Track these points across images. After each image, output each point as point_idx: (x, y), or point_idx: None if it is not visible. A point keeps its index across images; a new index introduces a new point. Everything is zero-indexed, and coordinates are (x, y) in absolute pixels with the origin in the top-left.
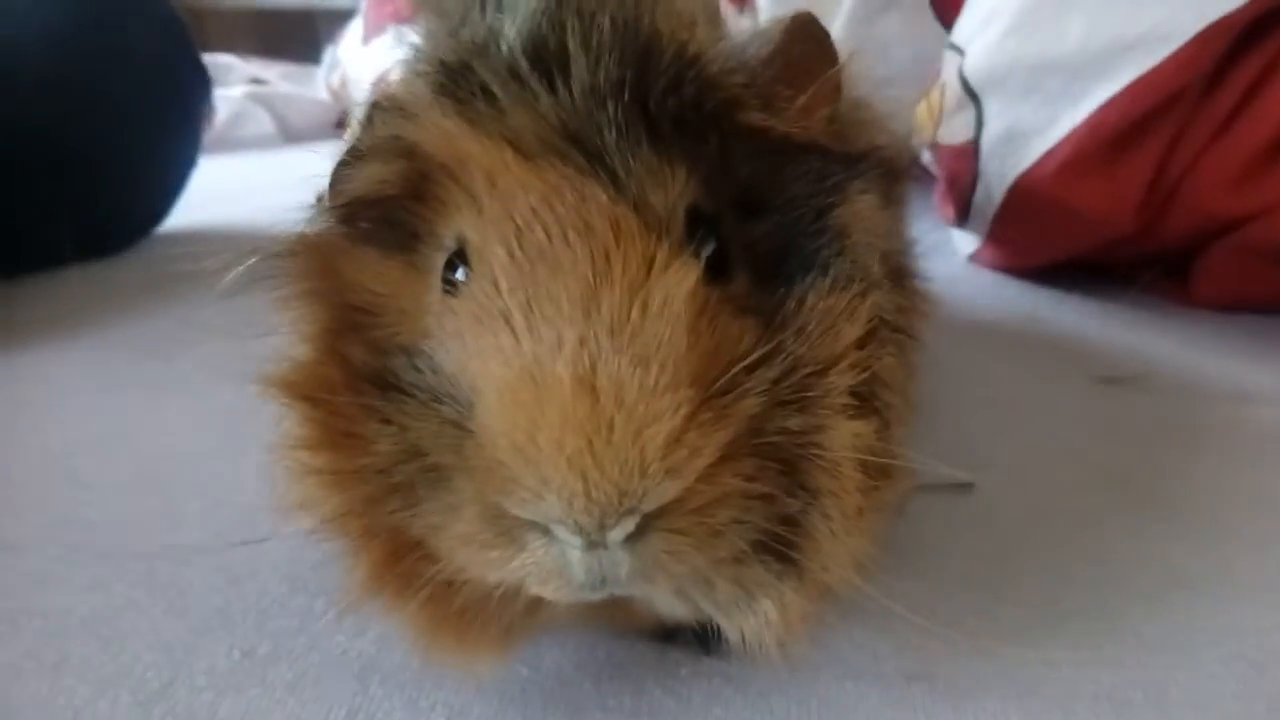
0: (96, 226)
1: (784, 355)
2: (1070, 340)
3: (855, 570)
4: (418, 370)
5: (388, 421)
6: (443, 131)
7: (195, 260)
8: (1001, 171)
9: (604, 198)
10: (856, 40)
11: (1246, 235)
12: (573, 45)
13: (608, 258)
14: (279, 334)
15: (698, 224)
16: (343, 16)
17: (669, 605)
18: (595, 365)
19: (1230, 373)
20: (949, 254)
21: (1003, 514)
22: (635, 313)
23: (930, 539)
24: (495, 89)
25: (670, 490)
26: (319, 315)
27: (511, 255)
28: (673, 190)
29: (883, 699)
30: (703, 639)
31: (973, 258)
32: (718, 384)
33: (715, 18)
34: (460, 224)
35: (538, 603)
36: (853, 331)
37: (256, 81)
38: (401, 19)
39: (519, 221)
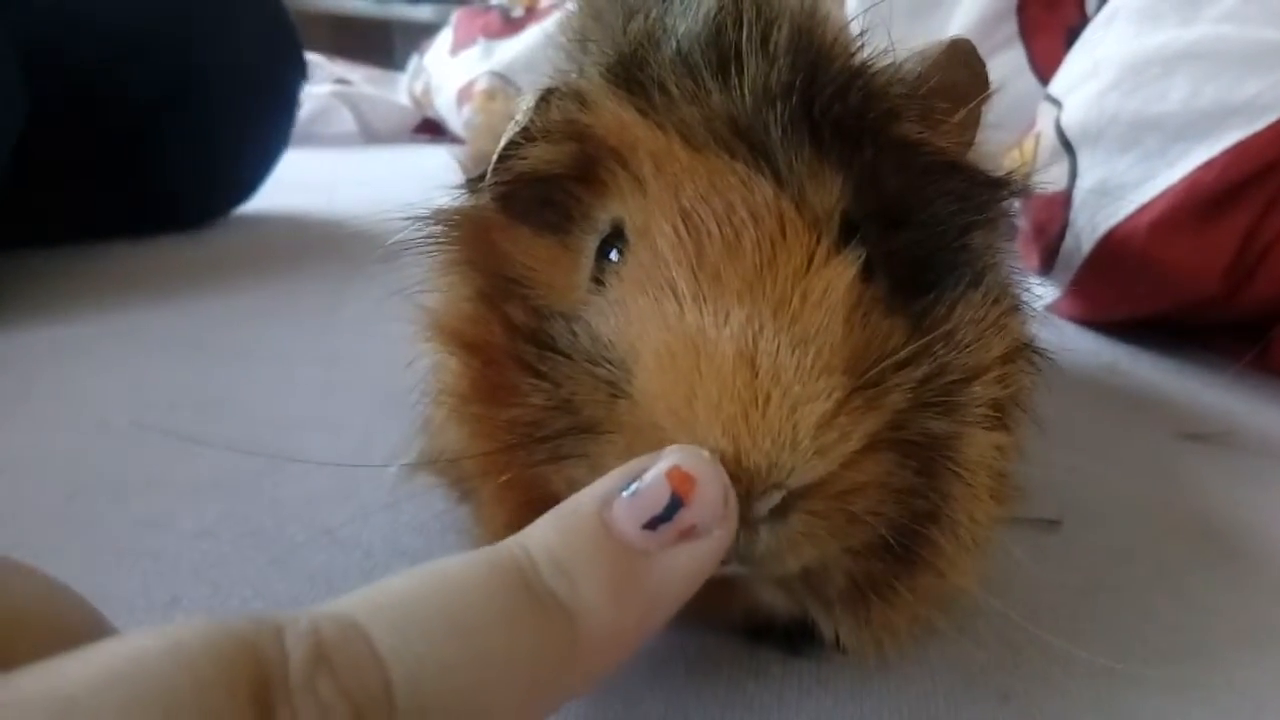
0: (191, 197)
1: (932, 358)
2: (1151, 394)
3: (974, 582)
4: (574, 334)
5: (542, 377)
6: (616, 118)
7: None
8: (1093, 223)
9: (770, 191)
10: None
11: None
12: (748, 46)
13: (774, 246)
14: (436, 293)
15: (849, 229)
16: (419, 28)
17: (771, 594)
18: (757, 342)
19: None
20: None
21: (1088, 554)
22: (797, 299)
23: (1017, 568)
24: (669, 82)
25: (818, 469)
26: (475, 281)
27: (678, 233)
28: (830, 193)
29: (975, 714)
30: (791, 640)
31: (1051, 307)
32: (868, 375)
33: None
34: (620, 208)
35: None
36: (1001, 345)
37: (341, 82)
38: (490, 33)
39: (686, 205)
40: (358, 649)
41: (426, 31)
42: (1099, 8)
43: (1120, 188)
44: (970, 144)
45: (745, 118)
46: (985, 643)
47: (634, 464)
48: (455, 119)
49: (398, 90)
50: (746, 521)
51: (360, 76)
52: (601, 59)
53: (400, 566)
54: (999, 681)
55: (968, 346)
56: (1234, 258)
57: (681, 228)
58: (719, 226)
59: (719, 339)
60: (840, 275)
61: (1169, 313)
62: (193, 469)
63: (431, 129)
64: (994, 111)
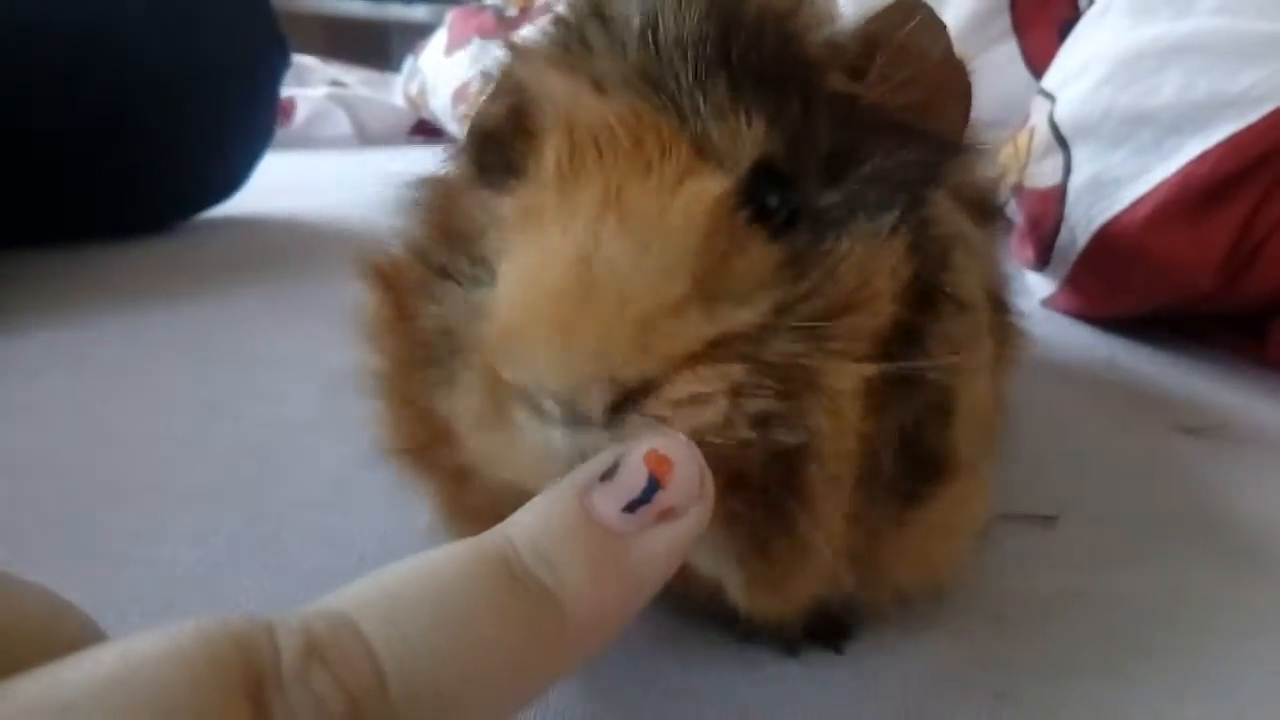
0: (170, 195)
1: (809, 291)
2: (1148, 388)
3: (850, 532)
4: (472, 267)
5: (435, 301)
6: (536, 69)
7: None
8: (1087, 218)
9: (663, 125)
10: None
11: None
12: (668, 3)
13: (646, 167)
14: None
15: (768, 177)
16: (416, 29)
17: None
18: (599, 246)
19: None
20: (1024, 296)
21: (1084, 549)
22: (655, 210)
23: (1011, 565)
24: (591, 37)
25: (641, 365)
26: (431, 235)
27: (560, 164)
28: (743, 137)
29: (970, 714)
30: (786, 641)
31: (1046, 302)
32: (722, 291)
33: None
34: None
35: None
36: (883, 283)
37: (336, 84)
38: (485, 33)
39: (576, 139)
40: (349, 641)
41: (422, 32)
42: (1091, 1)
43: (1114, 182)
44: (951, 97)
45: (657, 67)
46: (980, 640)
47: (609, 452)
48: (451, 120)
49: (393, 92)
50: (586, 421)
51: (355, 78)
52: (548, 19)
53: None
54: (993, 679)
55: (846, 279)
56: (1229, 250)
57: (566, 158)
58: (600, 154)
59: (563, 245)
60: (710, 190)
61: (1165, 306)
62: (188, 474)
63: (427, 130)
64: (988, 107)
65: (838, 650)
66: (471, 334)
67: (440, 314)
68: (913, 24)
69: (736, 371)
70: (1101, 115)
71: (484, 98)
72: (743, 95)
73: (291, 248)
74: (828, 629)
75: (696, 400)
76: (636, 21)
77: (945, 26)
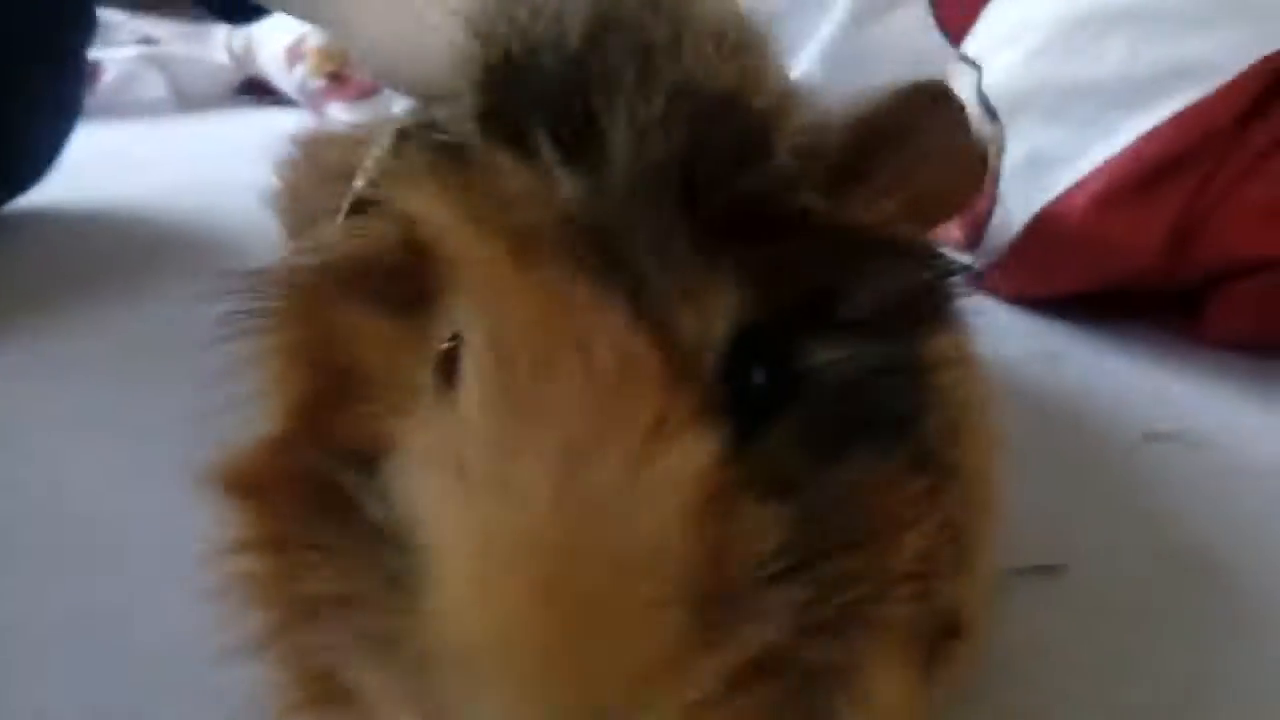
0: None
1: (822, 565)
2: (1100, 386)
3: None
4: (370, 491)
5: (328, 552)
6: (436, 219)
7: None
8: (1025, 198)
9: (620, 320)
10: (849, 46)
11: (1275, 276)
12: (617, 118)
13: (608, 407)
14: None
15: (747, 349)
16: None
17: None
18: (571, 561)
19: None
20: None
21: (1086, 595)
22: (628, 491)
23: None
24: (504, 172)
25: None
26: (303, 378)
27: (485, 385)
28: (714, 307)
29: None
30: None
31: (979, 285)
32: (726, 595)
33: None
34: (460, 316)
35: None
36: (918, 541)
37: (147, 41)
38: None
39: (509, 342)
40: None
41: None
42: None
43: (1053, 161)
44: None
45: (601, 215)
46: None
47: None
48: (285, 80)
49: (214, 47)
50: None
51: (169, 33)
52: (467, 98)
53: None
54: None
55: (873, 546)
56: (1172, 227)
57: (496, 374)
58: (540, 374)
59: (523, 554)
60: (697, 452)
61: (1103, 287)
62: None
63: (257, 89)
64: (896, 75)
65: None
66: (393, 634)
67: (333, 576)
68: (937, 115)
69: (768, 692)
70: (1036, 88)
71: (366, 196)
72: (714, 243)
73: (119, 250)
74: None
75: None
76: (568, 140)
77: (966, 114)
